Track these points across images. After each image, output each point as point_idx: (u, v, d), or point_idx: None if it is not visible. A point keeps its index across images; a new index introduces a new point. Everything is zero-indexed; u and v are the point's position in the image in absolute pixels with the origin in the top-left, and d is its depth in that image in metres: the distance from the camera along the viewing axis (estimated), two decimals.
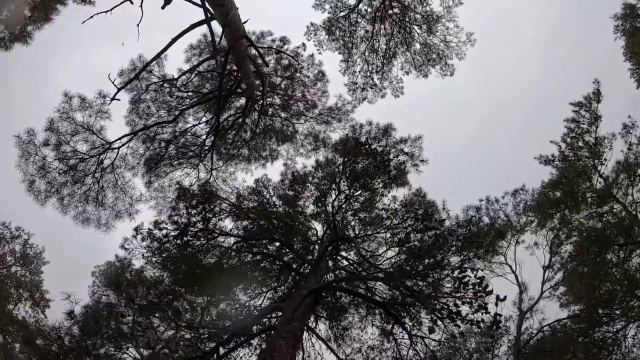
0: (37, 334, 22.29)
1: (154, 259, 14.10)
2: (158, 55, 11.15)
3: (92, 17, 9.82)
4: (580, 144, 17.44)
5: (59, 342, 14.83)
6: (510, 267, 18.69)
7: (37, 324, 21.87)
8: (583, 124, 17.21)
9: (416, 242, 13.01)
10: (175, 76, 13.47)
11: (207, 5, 9.47)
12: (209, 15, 9.53)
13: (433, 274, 10.98)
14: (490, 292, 8.90)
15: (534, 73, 48.66)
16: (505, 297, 8.86)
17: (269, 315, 11.87)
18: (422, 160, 12.92)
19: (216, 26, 10.52)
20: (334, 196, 14.23)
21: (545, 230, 18.46)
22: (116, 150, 12.30)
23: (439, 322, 9.60)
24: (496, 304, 8.68)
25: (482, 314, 8.99)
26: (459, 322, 9.15)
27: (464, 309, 9.17)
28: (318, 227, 15.06)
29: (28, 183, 12.07)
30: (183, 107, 13.00)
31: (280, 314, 10.76)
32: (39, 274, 21.49)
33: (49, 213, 12.39)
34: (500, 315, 8.87)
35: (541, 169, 17.81)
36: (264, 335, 11.40)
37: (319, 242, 14.56)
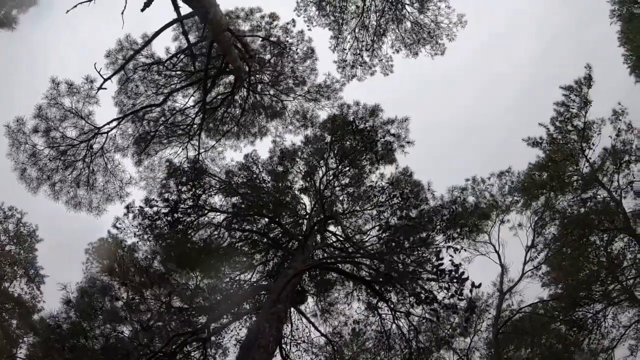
0: (33, 310, 22.68)
1: (145, 237, 14.27)
2: (139, 51, 11.32)
3: (75, 6, 9.96)
4: (569, 127, 17.55)
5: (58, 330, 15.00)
6: (494, 246, 18.99)
7: (33, 300, 22.23)
8: (573, 108, 17.32)
9: (401, 221, 13.27)
10: (162, 55, 13.58)
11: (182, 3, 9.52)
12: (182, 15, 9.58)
13: (416, 251, 11.21)
14: (466, 279, 9.06)
15: (525, 53, 48.45)
16: (480, 284, 9.08)
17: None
18: (408, 142, 13.06)
19: None
20: (322, 172, 14.43)
21: (529, 211, 18.68)
22: (105, 135, 12.42)
23: (417, 305, 9.83)
24: (471, 291, 8.91)
25: (457, 299, 9.23)
26: (435, 306, 9.40)
27: (442, 294, 9.40)
28: (306, 201, 15.24)
29: (19, 171, 12.29)
30: (171, 88, 13.10)
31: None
32: (33, 251, 21.73)
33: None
34: (475, 301, 9.11)
35: (530, 150, 17.98)
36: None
37: (307, 217, 14.74)
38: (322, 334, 12.07)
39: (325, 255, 13.48)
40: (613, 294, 17.15)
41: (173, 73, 13.68)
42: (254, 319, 12.74)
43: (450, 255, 10.68)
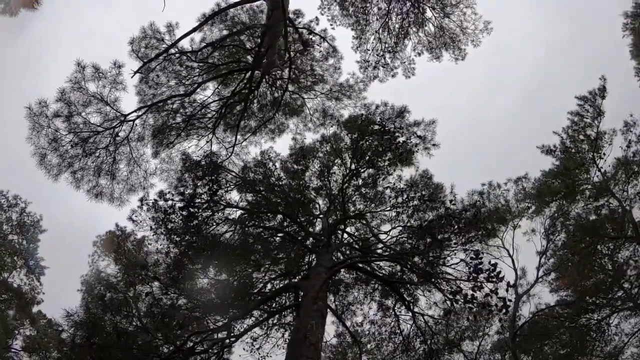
0: (32, 301, 22.35)
1: (159, 231, 14.07)
2: (191, 32, 11.16)
3: None
4: (582, 137, 17.73)
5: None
6: (508, 251, 19.11)
7: (32, 291, 21.90)
8: (586, 117, 17.48)
9: (421, 222, 13.31)
10: (186, 45, 13.41)
11: None
12: None
13: (442, 254, 11.26)
14: (502, 278, 9.22)
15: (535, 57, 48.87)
16: (515, 284, 9.26)
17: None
18: (434, 144, 13.04)
19: None
20: (340, 172, 14.38)
21: (542, 217, 18.87)
22: (131, 123, 12.14)
23: (457, 303, 9.90)
24: (507, 290, 9.06)
25: (491, 297, 9.33)
26: (473, 305, 9.46)
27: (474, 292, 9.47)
28: (320, 201, 15.19)
29: (39, 157, 11.81)
30: (193, 80, 12.91)
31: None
32: (36, 242, 21.39)
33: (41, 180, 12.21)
34: (510, 300, 9.25)
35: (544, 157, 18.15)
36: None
37: (321, 216, 14.68)
38: (349, 332, 12.07)
39: (347, 254, 13.44)
40: (617, 302, 17.40)
41: (195, 65, 13.50)
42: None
43: (472, 258, 10.85)
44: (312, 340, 8.06)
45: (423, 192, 13.75)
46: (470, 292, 9.84)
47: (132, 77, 11.06)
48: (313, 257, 13.70)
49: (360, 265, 12.22)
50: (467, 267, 10.56)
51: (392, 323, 13.51)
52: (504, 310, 9.33)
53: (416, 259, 11.38)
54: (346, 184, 13.95)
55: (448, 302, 10.52)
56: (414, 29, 15.29)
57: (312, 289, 9.21)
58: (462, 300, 9.74)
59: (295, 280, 12.70)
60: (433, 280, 10.67)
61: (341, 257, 13.23)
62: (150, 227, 13.49)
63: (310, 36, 14.16)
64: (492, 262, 10.34)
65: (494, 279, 9.84)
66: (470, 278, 9.82)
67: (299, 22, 13.82)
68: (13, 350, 22.60)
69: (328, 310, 10.29)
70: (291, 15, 12.56)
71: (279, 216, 14.29)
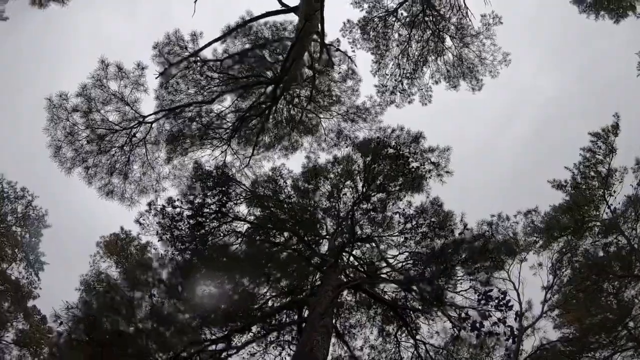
0: (28, 295, 22.24)
1: (165, 237, 14.05)
2: (214, 41, 11.27)
3: None
4: (593, 173, 17.72)
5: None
6: (514, 284, 18.93)
7: (29, 285, 21.80)
8: (598, 154, 17.51)
9: (428, 249, 13.28)
10: (208, 56, 13.49)
11: None
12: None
13: (449, 281, 11.24)
14: (512, 307, 9.19)
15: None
16: (523, 313, 9.24)
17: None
18: (447, 171, 13.04)
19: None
20: (350, 194, 14.35)
21: (550, 251, 18.78)
22: (148, 125, 12.19)
23: (459, 330, 9.85)
24: (515, 319, 9.03)
25: (499, 326, 9.31)
26: (481, 332, 9.42)
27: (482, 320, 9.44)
28: (328, 222, 15.16)
29: (54, 148, 11.88)
30: (219, 91, 12.97)
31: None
32: (39, 236, 21.35)
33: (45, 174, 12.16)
34: (518, 329, 9.21)
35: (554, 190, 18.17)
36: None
37: (328, 237, 14.65)
38: (351, 353, 12.01)
39: (351, 277, 13.37)
40: (621, 341, 17.22)
41: (215, 75, 13.58)
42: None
43: (482, 284, 10.85)
44: (318, 355, 8.01)
45: (433, 219, 13.72)
46: (479, 319, 9.82)
47: (156, 77, 11.13)
48: (317, 276, 13.66)
49: (366, 287, 12.15)
50: (476, 294, 10.58)
51: (393, 349, 13.43)
52: (511, 340, 9.31)
53: (424, 284, 11.34)
54: (355, 207, 13.92)
55: (455, 329, 10.44)
56: (433, 57, 15.40)
57: (319, 306, 9.19)
58: (470, 327, 9.69)
59: (300, 297, 12.62)
60: (441, 306, 10.63)
61: (345, 280, 13.16)
62: (157, 231, 13.53)
63: (332, 56, 14.22)
64: (502, 290, 10.34)
65: (503, 308, 9.86)
66: (480, 305, 9.80)
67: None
68: (3, 342, 22.46)
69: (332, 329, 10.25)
70: (314, 36, 12.67)
71: (286, 234, 14.27)
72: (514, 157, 46.15)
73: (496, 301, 9.52)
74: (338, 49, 13.33)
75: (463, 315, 10.41)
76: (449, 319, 11.09)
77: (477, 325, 9.47)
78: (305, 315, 12.21)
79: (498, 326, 9.57)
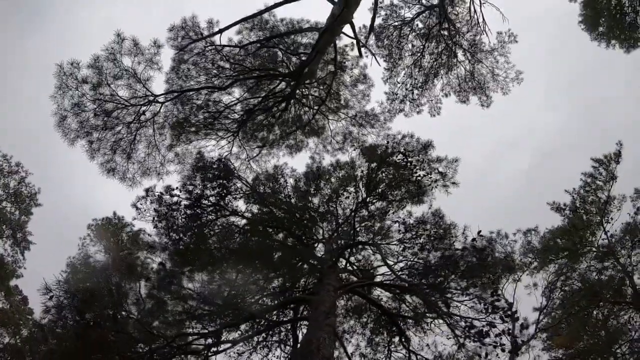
0: (11, 274, 21.76)
1: (160, 225, 13.80)
2: (229, 27, 11.18)
3: None
4: (592, 198, 17.80)
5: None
6: (507, 302, 18.88)
7: (14, 264, 21.32)
8: (599, 180, 17.58)
9: (425, 261, 13.17)
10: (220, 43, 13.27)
11: None
12: None
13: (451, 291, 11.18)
14: (517, 318, 9.14)
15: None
16: (528, 326, 9.23)
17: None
18: (453, 183, 12.95)
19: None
20: (350, 199, 14.21)
21: (545, 273, 18.82)
22: (158, 105, 11.94)
23: (464, 338, 9.79)
24: (521, 331, 8.99)
25: (503, 337, 9.25)
26: (485, 342, 9.35)
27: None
28: (325, 225, 15.00)
29: (59, 118, 11.63)
30: (229, 82, 12.79)
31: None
32: (29, 214, 20.89)
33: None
34: (522, 341, 9.18)
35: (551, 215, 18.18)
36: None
37: (323, 240, 14.49)
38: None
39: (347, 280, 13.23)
40: None
41: (227, 65, 13.40)
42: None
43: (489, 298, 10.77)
44: (324, 354, 7.81)
45: (433, 231, 13.62)
46: (485, 329, 9.74)
47: (178, 52, 10.85)
48: (311, 278, 13.48)
49: (364, 291, 12.03)
50: (481, 304, 10.50)
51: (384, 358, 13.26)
52: (515, 352, 9.26)
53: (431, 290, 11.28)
54: (355, 212, 13.78)
55: (459, 338, 10.30)
56: (445, 70, 15.38)
57: (323, 304, 9.00)
58: (477, 337, 9.59)
59: (298, 296, 12.42)
60: (444, 314, 10.54)
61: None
62: (153, 218, 13.28)
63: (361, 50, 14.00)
64: (509, 302, 10.30)
65: (509, 319, 9.81)
66: (487, 315, 9.74)
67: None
68: None
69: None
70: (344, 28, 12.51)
71: (281, 234, 14.09)
72: (514, 182, 46.41)
73: (502, 311, 9.44)
74: (364, 45, 13.14)
75: (467, 324, 10.31)
76: (451, 327, 10.99)
77: (483, 334, 9.38)
78: (303, 315, 12.08)
79: (501, 337, 9.49)
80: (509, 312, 10.02)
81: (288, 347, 12.97)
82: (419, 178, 13.24)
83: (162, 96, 12.03)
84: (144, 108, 12.41)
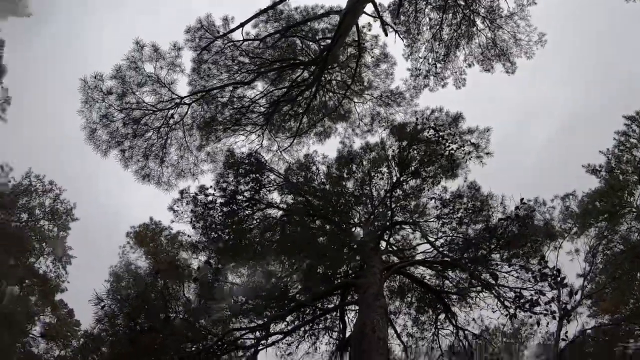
0: (56, 289, 22.35)
1: (197, 225, 13.95)
2: (245, 23, 11.13)
3: None
4: (627, 157, 17.37)
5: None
6: (555, 269, 18.54)
7: (57, 279, 21.89)
8: (633, 137, 17.13)
9: (465, 235, 13.06)
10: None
11: None
12: None
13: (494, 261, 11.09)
14: (566, 284, 9.01)
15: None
16: (577, 291, 9.11)
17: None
18: (487, 153, 12.76)
19: None
20: (384, 180, 14.15)
21: (586, 237, 18.46)
22: (185, 107, 12.05)
23: (512, 311, 9.70)
24: (570, 297, 8.86)
25: (552, 304, 9.16)
26: (536, 311, 9.25)
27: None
28: (361, 209, 14.97)
29: (89, 131, 11.77)
30: (251, 77, 12.81)
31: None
32: (67, 229, 21.40)
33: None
34: (572, 306, 9.07)
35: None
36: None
37: (361, 224, 14.47)
38: (399, 338, 11.93)
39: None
40: None
41: (247, 60, 13.42)
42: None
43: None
44: (380, 335, 7.86)
45: (470, 204, 13.49)
46: (534, 297, 9.64)
47: (199, 53, 10.89)
48: (353, 264, 13.49)
49: (408, 270, 12.00)
50: (529, 273, 10.39)
51: (432, 337, 13.24)
52: (566, 318, 9.16)
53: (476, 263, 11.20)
54: (390, 193, 13.73)
55: (509, 309, 10.22)
56: (465, 40, 15.10)
57: (371, 286, 9.02)
58: (529, 306, 9.50)
59: (344, 280, 12.43)
60: (491, 286, 10.45)
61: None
62: (190, 219, 13.43)
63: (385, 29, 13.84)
64: (556, 268, 10.17)
65: (558, 285, 9.69)
66: (536, 282, 9.63)
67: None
68: (31, 335, 22.59)
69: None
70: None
71: (319, 221, 14.12)
72: (544, 149, 45.25)
73: (550, 279, 9.31)
74: (387, 23, 12.97)
75: (517, 294, 10.21)
76: (500, 300, 10.88)
77: (534, 303, 9.29)
78: (350, 300, 12.11)
79: (551, 305, 9.39)
80: (558, 278, 9.83)
81: (335, 333, 13.05)
82: (451, 152, 13.10)
83: (188, 97, 12.09)
84: (171, 111, 12.50)
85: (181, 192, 13.58)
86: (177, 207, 13.44)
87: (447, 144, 12.78)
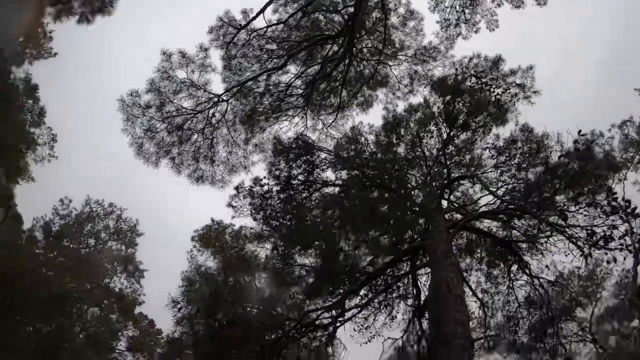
0: (134, 303, 23.46)
1: (258, 216, 14.19)
2: (264, 8, 11.21)
3: None
4: None
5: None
6: (625, 200, 17.61)
7: (133, 294, 22.98)
8: None
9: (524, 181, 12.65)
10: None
11: None
12: None
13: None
14: (639, 214, 8.53)
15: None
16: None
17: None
18: (534, 91, 12.26)
19: None
20: (434, 139, 13.89)
21: None
22: (225, 104, 12.26)
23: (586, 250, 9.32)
24: None
25: (627, 238, 8.72)
26: (611, 246, 8.85)
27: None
28: (415, 172, 14.76)
29: (137, 146, 12.19)
30: (282, 62, 12.83)
31: None
32: (134, 245, 22.39)
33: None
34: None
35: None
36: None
37: (418, 187, 14.27)
38: (475, 295, 11.75)
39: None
40: None
41: (274, 47, 13.45)
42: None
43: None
44: (456, 292, 7.78)
45: (526, 147, 13.03)
46: (607, 232, 9.21)
47: (226, 49, 11.00)
48: (418, 227, 13.37)
49: (474, 225, 11.76)
50: (596, 208, 9.97)
51: (507, 290, 12.97)
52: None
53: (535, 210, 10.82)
54: (443, 150, 13.46)
55: (583, 249, 9.83)
56: None
57: (440, 245, 8.91)
58: (600, 243, 9.09)
59: (413, 245, 12.36)
60: (562, 227, 10.08)
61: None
62: (250, 212, 13.69)
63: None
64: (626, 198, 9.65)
65: (630, 216, 9.22)
66: (607, 217, 9.19)
67: None
68: (117, 351, 23.86)
69: None
70: None
71: (377, 192, 14.04)
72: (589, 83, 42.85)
73: (621, 211, 8.85)
74: None
75: (589, 232, 9.78)
76: (572, 241, 10.46)
77: (607, 239, 8.86)
78: (420, 264, 12.04)
79: (625, 239, 8.93)
80: (629, 210, 9.30)
81: (410, 300, 13.02)
82: (497, 97, 12.65)
83: (225, 94, 12.32)
84: (211, 111, 12.73)
85: (237, 188, 13.84)
86: (235, 202, 13.73)
87: (491, 90, 12.36)
